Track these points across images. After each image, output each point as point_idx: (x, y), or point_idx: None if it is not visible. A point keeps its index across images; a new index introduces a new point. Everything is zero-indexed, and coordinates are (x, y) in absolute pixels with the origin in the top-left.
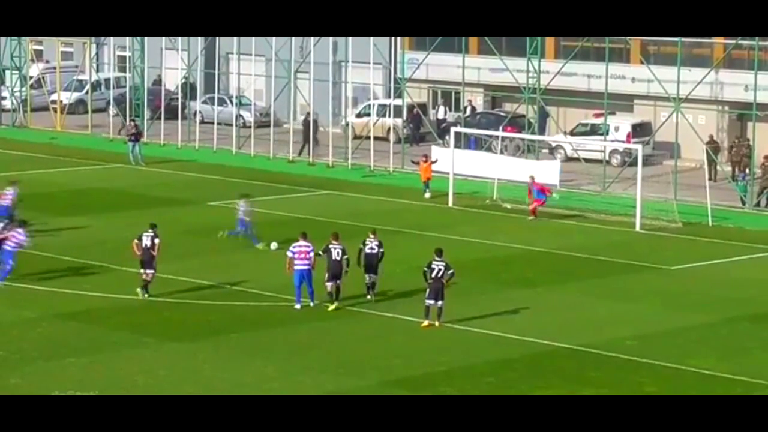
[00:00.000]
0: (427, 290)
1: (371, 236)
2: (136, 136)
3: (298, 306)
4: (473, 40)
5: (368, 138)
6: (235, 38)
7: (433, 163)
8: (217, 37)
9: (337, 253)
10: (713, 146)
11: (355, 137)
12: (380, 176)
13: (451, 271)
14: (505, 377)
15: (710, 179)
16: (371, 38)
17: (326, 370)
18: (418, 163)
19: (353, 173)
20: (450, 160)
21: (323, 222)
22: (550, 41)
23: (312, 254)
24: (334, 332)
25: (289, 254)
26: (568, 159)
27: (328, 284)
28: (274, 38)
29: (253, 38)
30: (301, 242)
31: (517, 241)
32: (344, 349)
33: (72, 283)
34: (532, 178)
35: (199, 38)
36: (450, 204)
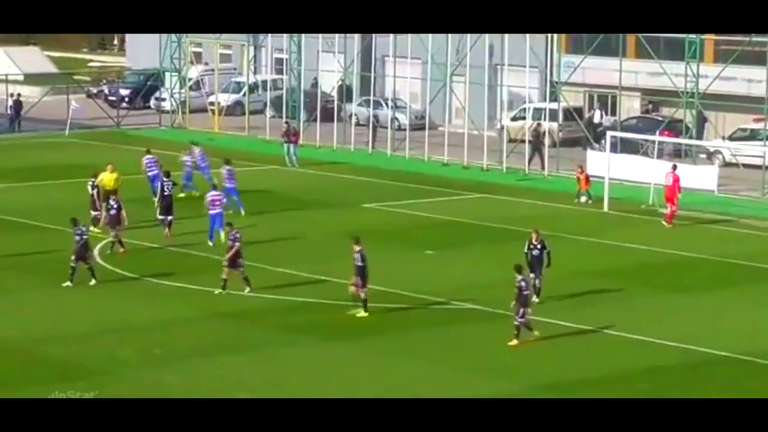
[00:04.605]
0: (520, 309)
1: (534, 240)
2: (292, 138)
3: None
4: (631, 44)
5: (523, 141)
6: (391, 41)
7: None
8: (373, 40)
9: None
10: None
11: (510, 140)
12: (535, 180)
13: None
14: (659, 384)
15: None
16: (527, 41)
17: (477, 372)
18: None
19: (507, 177)
20: (606, 165)
21: (477, 225)
22: (709, 45)
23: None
24: (485, 334)
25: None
26: (726, 164)
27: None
28: (430, 41)
29: (409, 41)
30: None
31: (673, 247)
32: (496, 352)
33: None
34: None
35: (356, 41)
36: (606, 209)
